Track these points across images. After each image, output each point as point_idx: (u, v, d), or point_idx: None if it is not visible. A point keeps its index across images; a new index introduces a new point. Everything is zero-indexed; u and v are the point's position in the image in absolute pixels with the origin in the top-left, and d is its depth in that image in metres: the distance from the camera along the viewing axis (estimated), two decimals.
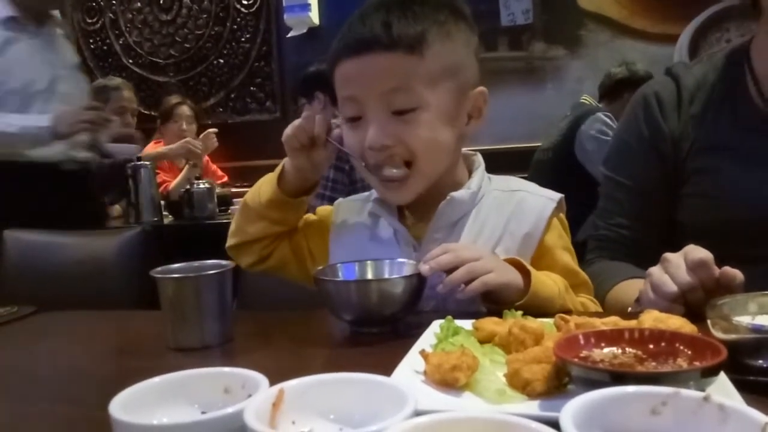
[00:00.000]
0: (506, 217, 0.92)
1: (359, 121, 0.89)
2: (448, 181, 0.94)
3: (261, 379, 0.50)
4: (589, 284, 0.95)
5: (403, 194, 0.91)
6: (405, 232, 0.94)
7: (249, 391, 0.49)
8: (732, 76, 0.99)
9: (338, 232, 1.01)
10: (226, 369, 0.53)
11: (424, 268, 0.79)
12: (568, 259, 0.94)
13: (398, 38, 0.85)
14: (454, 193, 0.92)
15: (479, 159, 0.99)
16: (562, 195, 0.94)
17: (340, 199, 1.07)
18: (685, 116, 1.00)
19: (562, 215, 0.95)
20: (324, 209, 1.07)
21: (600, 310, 0.92)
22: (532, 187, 0.97)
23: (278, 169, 0.97)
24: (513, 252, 0.89)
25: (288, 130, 0.93)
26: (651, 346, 0.53)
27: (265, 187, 0.98)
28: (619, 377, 0.47)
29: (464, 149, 0.98)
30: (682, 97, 1.00)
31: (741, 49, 1.01)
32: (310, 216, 1.06)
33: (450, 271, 0.78)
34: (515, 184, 0.98)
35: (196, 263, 0.84)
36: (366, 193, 1.04)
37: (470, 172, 0.98)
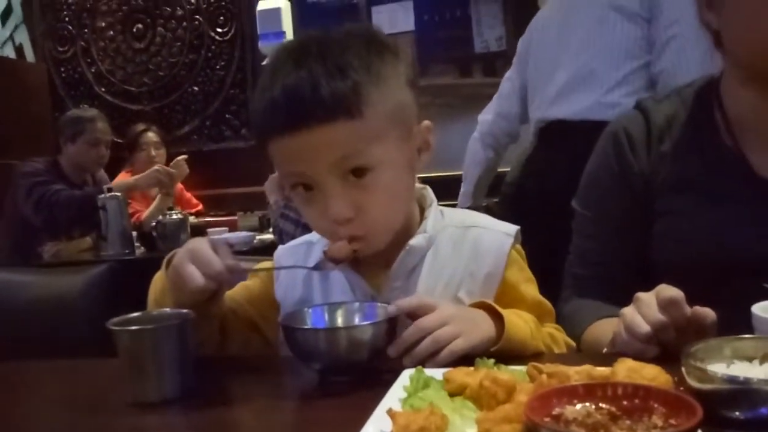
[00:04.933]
0: (464, 257, 0.89)
1: (312, 191, 0.83)
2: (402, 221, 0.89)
3: None
4: (553, 312, 0.94)
5: (363, 250, 0.85)
6: (361, 281, 0.89)
7: None
8: (702, 113, 0.99)
9: (284, 287, 0.94)
10: None
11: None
12: (533, 291, 0.92)
13: (333, 104, 0.77)
14: (412, 242, 0.87)
15: (430, 194, 0.94)
16: (518, 227, 0.92)
17: (280, 248, 0.99)
18: (654, 153, 0.99)
19: (518, 246, 0.93)
20: (262, 265, 1.00)
21: (566, 338, 0.92)
22: (486, 220, 0.94)
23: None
24: (476, 293, 0.87)
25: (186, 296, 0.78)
26: (625, 403, 0.52)
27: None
28: None
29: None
30: (651, 134, 1.00)
31: (711, 85, 1.00)
32: (247, 284, 0.97)
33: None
34: (469, 218, 0.94)
35: (155, 312, 0.81)
36: (308, 236, 0.97)
37: (421, 208, 0.93)
